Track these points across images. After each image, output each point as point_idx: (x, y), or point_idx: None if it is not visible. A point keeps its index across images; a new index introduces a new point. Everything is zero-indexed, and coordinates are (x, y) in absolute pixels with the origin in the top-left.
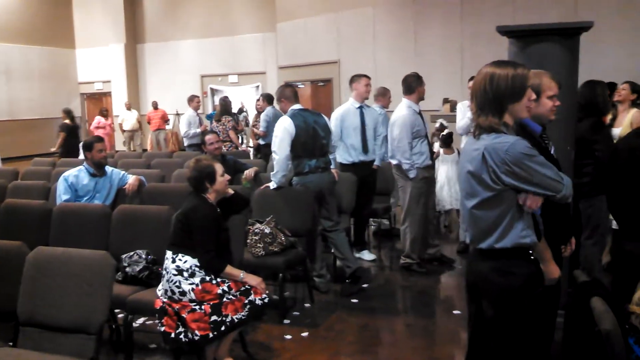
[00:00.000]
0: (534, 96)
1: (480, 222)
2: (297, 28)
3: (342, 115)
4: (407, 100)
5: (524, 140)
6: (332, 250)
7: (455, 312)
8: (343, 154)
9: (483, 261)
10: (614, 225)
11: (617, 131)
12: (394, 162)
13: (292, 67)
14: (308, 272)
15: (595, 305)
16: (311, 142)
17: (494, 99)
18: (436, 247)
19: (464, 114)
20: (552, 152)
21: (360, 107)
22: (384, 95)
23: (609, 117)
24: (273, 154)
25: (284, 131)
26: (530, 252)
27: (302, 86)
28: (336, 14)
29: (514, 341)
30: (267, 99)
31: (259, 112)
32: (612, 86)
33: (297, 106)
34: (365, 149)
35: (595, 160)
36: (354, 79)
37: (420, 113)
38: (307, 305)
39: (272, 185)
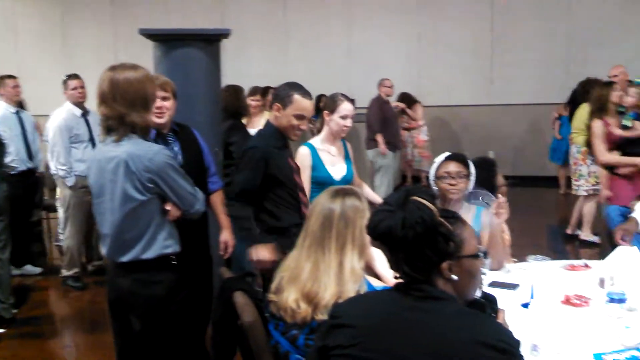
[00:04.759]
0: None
1: (124, 234)
2: None
3: (0, 121)
4: (69, 103)
5: (167, 150)
6: None
7: None
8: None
9: (125, 275)
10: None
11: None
12: (52, 168)
13: None
14: None
15: (237, 299)
16: None
17: (139, 100)
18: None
19: None
20: (178, 156)
21: (17, 112)
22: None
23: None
24: None
25: None
26: (172, 259)
27: None
28: None
29: (167, 347)
30: None
31: None
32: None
33: None
34: (30, 155)
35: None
36: None
37: (84, 116)
38: None
39: None
